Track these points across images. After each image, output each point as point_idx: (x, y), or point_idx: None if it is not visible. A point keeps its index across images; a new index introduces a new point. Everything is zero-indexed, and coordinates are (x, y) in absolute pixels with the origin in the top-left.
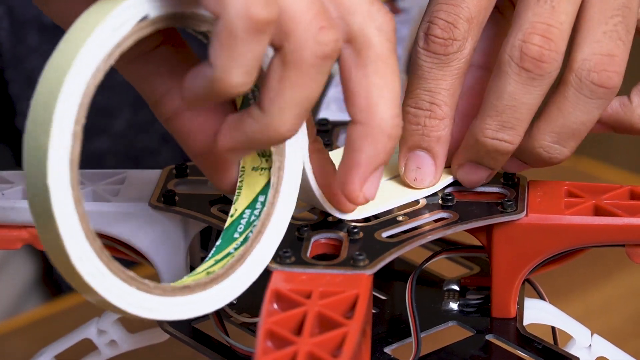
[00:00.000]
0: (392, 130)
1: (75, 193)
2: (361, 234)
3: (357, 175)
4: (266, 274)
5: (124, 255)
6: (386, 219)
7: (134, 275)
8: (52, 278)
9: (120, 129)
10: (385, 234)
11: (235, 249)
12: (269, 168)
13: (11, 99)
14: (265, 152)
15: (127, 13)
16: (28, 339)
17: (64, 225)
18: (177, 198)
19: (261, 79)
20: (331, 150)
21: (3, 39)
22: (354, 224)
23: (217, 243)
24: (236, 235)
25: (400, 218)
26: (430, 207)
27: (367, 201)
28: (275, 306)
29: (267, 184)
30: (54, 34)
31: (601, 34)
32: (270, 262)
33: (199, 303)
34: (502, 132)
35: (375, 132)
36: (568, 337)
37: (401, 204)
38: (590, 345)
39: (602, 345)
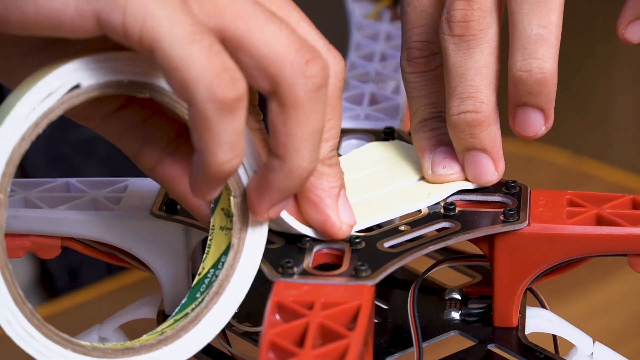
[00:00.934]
0: (305, 173)
1: (2, 258)
2: (363, 244)
3: (267, 199)
4: (268, 284)
5: (125, 264)
6: (388, 228)
7: (69, 338)
8: (49, 279)
9: None
10: (387, 244)
11: (192, 309)
12: (232, 229)
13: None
14: (230, 212)
15: (55, 84)
16: None
17: None
18: (178, 207)
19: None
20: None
21: None
22: (356, 234)
23: (182, 301)
24: (198, 294)
25: (402, 228)
26: (432, 216)
27: (269, 219)
28: (278, 317)
29: (230, 245)
30: None
31: None
32: (273, 272)
33: None
34: (462, 105)
35: (290, 171)
36: (570, 346)
37: (403, 213)
38: (592, 353)
39: (604, 353)
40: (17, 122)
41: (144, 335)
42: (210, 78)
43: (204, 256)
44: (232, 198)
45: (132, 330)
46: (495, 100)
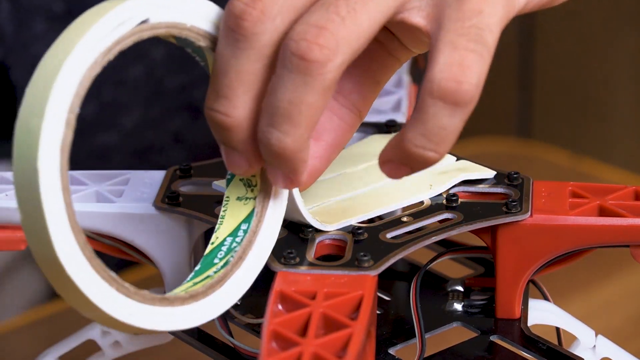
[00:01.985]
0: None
1: (64, 180)
2: (366, 235)
3: None
4: (271, 275)
5: (128, 256)
6: (390, 219)
7: (115, 277)
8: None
9: (130, 126)
10: (389, 235)
11: (215, 272)
12: (254, 198)
13: (12, 85)
14: (251, 182)
15: (128, 13)
16: (31, 338)
17: (51, 212)
18: (181, 199)
19: None
20: None
21: (4, 23)
22: (358, 224)
23: (196, 268)
24: (216, 260)
25: (404, 219)
26: (434, 207)
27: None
28: (280, 307)
29: (251, 213)
30: (61, 22)
31: (319, 5)
32: (275, 262)
33: (176, 316)
34: (216, 102)
35: None
36: (572, 338)
37: (405, 204)
38: (594, 345)
39: (607, 346)
40: (90, 45)
41: (175, 289)
42: None
43: (217, 227)
44: None
45: None
46: (255, 109)
